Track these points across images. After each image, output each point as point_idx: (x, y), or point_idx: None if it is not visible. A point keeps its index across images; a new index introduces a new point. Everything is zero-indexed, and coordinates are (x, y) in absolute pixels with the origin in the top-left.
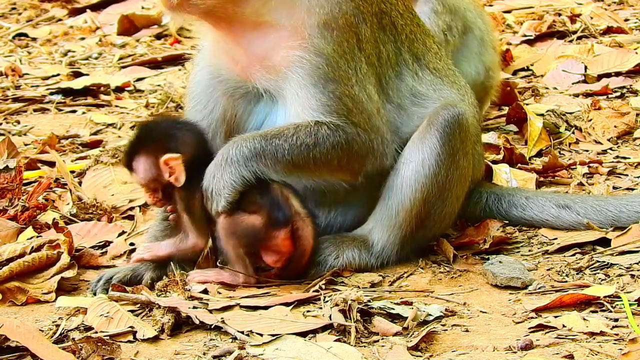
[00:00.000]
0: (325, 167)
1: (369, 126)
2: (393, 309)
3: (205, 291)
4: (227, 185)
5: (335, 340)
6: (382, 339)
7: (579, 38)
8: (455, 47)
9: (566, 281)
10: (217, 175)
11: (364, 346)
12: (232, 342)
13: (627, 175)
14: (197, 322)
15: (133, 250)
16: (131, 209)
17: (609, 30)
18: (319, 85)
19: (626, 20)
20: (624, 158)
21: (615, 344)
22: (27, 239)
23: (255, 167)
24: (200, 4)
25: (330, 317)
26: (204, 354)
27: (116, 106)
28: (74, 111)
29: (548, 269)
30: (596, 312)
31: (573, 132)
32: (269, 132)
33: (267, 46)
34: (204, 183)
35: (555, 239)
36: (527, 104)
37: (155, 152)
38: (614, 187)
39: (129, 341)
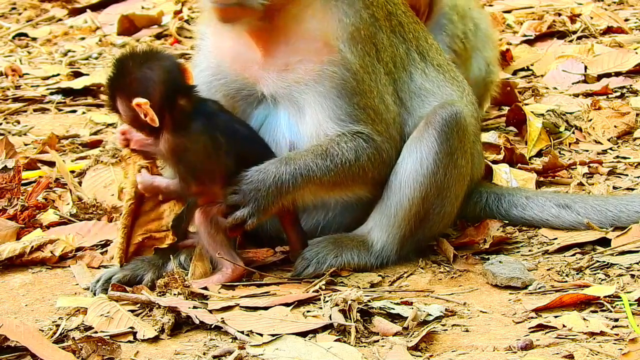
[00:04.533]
0: (361, 180)
1: (389, 135)
2: (393, 309)
3: (205, 288)
4: (265, 209)
5: (336, 340)
6: (382, 339)
7: (579, 38)
8: (473, 50)
9: (566, 281)
10: (262, 191)
11: (364, 346)
12: (232, 342)
13: (627, 175)
14: (197, 322)
15: None
16: None
17: (609, 30)
18: (344, 97)
19: (626, 20)
20: (624, 158)
21: (615, 344)
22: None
23: (298, 196)
24: (250, 11)
25: (330, 317)
26: (204, 354)
27: None
28: (74, 111)
29: (548, 269)
30: (596, 312)
31: (573, 132)
32: (316, 152)
33: (293, 56)
34: (245, 185)
35: (555, 238)
36: (527, 104)
37: (127, 96)
38: (614, 187)
39: (129, 341)
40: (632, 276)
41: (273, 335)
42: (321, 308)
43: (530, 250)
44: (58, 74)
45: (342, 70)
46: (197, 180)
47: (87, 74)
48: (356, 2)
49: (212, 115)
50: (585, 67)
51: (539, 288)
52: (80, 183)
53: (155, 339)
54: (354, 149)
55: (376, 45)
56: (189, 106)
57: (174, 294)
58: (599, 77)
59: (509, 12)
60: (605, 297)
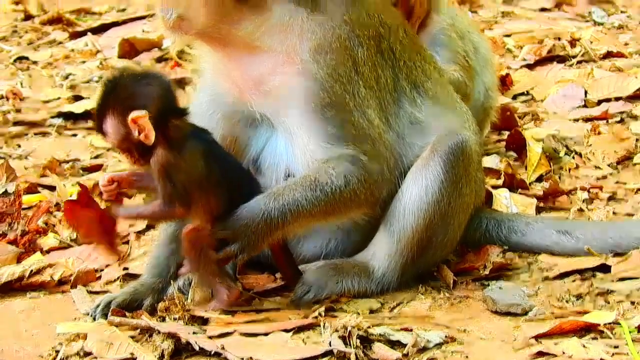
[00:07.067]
0: (354, 204)
1: (376, 153)
2: (393, 335)
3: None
4: (255, 245)
5: None
6: None
7: (579, 62)
8: (475, 70)
9: (566, 307)
10: (251, 227)
11: None
12: None
13: (627, 200)
14: (197, 348)
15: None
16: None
17: (608, 55)
18: (317, 112)
19: (626, 44)
20: (624, 183)
21: None
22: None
23: (288, 230)
24: (194, 24)
25: (330, 343)
26: None
27: None
28: (75, 135)
29: (548, 295)
30: (596, 338)
31: (573, 157)
32: (304, 183)
33: (262, 70)
34: (234, 221)
35: (555, 265)
36: (526, 129)
37: (121, 112)
38: (613, 213)
39: None
40: (632, 303)
41: None
42: (321, 334)
43: (530, 276)
44: (59, 98)
45: (306, 81)
46: (182, 201)
47: (88, 98)
48: (330, 20)
49: (208, 142)
50: (586, 92)
51: (539, 314)
52: None
53: None
54: (343, 174)
55: (353, 58)
56: (184, 126)
57: (174, 318)
58: (599, 102)
59: (508, 36)
60: (605, 324)
